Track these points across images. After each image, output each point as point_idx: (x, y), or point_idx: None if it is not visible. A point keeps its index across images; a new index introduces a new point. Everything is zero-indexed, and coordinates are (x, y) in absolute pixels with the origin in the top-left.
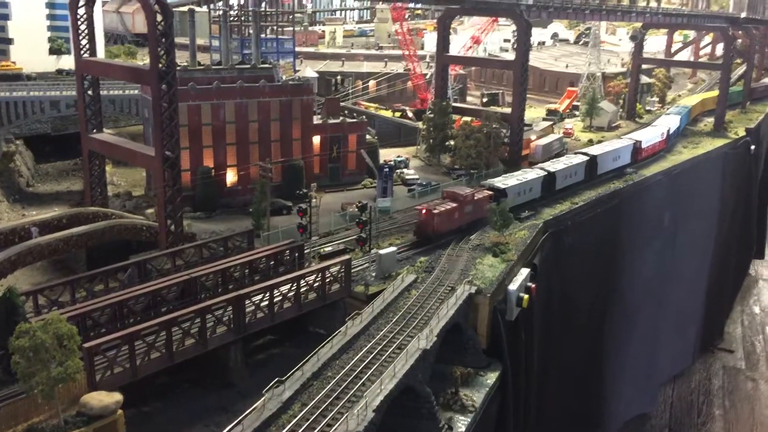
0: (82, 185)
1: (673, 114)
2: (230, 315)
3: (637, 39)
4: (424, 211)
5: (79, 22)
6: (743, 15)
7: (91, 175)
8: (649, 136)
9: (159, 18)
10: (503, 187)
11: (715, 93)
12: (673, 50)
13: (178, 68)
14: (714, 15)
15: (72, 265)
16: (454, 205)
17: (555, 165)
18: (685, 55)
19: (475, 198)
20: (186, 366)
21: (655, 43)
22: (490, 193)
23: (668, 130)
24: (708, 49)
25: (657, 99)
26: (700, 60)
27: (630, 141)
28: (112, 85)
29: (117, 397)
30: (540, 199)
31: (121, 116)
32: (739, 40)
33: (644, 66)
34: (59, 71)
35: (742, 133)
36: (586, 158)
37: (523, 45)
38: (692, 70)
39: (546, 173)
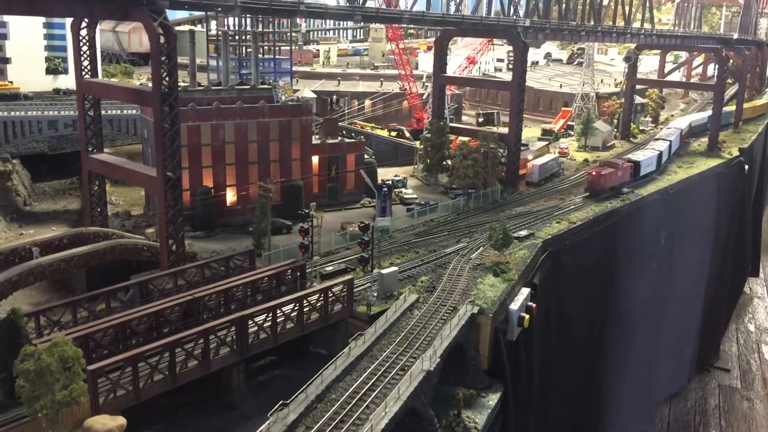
0: (79, 204)
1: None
2: (233, 336)
3: (631, 60)
4: (594, 173)
5: (81, 44)
6: (735, 36)
7: (91, 195)
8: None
9: (162, 40)
10: (637, 159)
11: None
12: (665, 71)
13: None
14: (707, 36)
15: (71, 285)
16: (613, 169)
17: (659, 146)
18: (677, 76)
19: (623, 166)
20: (187, 388)
21: (647, 64)
22: (631, 164)
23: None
24: (699, 70)
25: (650, 119)
26: (692, 80)
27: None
28: (110, 105)
29: (120, 420)
30: (654, 172)
31: (119, 136)
32: (731, 61)
33: (637, 86)
34: (56, 91)
35: (735, 152)
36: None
37: (519, 66)
38: (684, 90)
39: (659, 152)
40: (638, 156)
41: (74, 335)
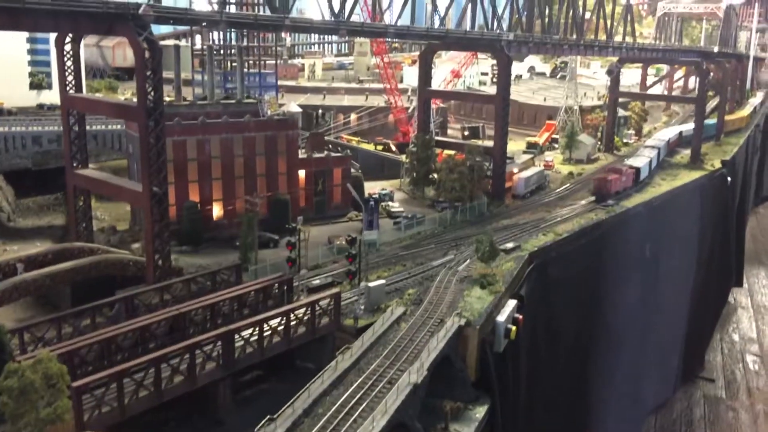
0: (63, 220)
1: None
2: (219, 351)
3: (613, 73)
4: (601, 178)
5: (65, 58)
6: (716, 49)
7: (76, 210)
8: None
9: (147, 54)
10: (637, 165)
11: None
12: (647, 84)
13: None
14: (688, 49)
15: (56, 301)
16: (618, 175)
17: (649, 153)
18: (659, 89)
19: (627, 171)
20: (173, 403)
21: (629, 77)
22: (633, 170)
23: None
24: (681, 82)
25: (634, 131)
26: (673, 93)
27: None
28: (95, 120)
29: None
30: (651, 174)
31: (104, 151)
32: (712, 74)
33: (620, 99)
34: (40, 106)
35: (718, 165)
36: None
37: (504, 79)
38: (666, 102)
39: (650, 158)
40: (638, 162)
41: (59, 351)
